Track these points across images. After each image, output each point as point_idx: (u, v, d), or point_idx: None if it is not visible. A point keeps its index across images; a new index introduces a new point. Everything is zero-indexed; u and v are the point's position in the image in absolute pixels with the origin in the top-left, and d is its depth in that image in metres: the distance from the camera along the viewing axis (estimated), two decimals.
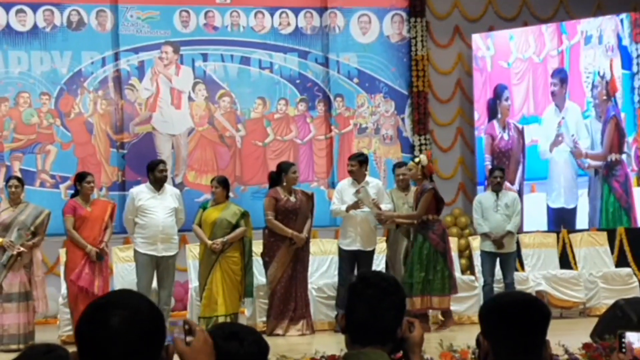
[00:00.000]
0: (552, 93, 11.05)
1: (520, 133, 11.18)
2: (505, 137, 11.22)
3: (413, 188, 8.74)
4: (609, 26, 10.75)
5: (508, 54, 11.28)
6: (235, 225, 8.01)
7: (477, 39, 11.49)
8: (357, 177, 8.50)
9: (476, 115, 11.54)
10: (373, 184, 8.63)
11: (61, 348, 2.16)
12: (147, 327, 1.72)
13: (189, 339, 1.88)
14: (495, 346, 2.28)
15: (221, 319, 7.75)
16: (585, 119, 10.83)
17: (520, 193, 10.99)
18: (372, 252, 8.52)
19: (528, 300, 2.34)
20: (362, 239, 8.40)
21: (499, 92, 11.29)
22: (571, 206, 10.92)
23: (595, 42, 10.84)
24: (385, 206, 8.46)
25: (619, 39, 10.68)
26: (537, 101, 11.14)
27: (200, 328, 1.94)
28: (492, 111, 11.34)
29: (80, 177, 8.04)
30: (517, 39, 11.31)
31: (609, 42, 10.74)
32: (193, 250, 8.71)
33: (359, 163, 8.53)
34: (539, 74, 11.12)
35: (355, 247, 8.39)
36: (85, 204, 7.87)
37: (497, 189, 8.77)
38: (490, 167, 10.64)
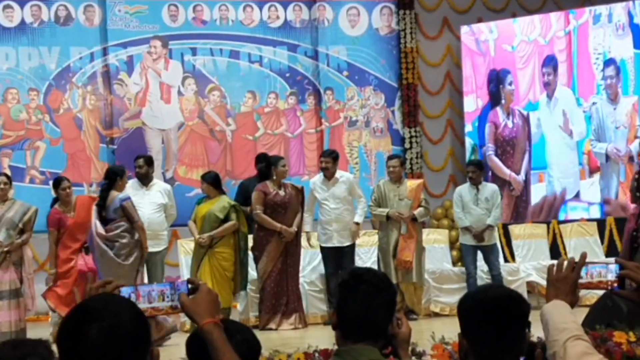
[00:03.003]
0: (546, 83, 10.75)
1: (526, 120, 10.87)
2: (510, 124, 10.92)
3: (405, 180, 8.76)
4: (619, 4, 10.29)
5: (512, 37, 10.94)
6: (225, 220, 8.00)
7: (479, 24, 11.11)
8: (329, 174, 8.54)
9: (479, 103, 11.16)
10: (344, 178, 8.67)
11: (35, 344, 2.13)
12: (129, 337, 1.66)
13: (192, 297, 2.00)
14: (474, 345, 2.21)
15: None
16: (594, 103, 10.42)
17: (526, 183, 10.90)
18: (352, 247, 8.54)
19: (505, 296, 2.24)
20: (339, 234, 8.42)
21: (502, 77, 10.96)
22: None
23: (605, 21, 10.37)
24: (359, 210, 8.54)
25: (630, 16, 10.20)
26: (542, 86, 10.81)
27: (203, 282, 2.09)
28: (495, 97, 11.06)
29: (55, 184, 7.97)
30: (521, 21, 10.98)
31: (619, 21, 10.25)
32: (185, 246, 8.70)
33: (333, 160, 8.58)
34: (546, 57, 10.74)
35: (332, 243, 8.44)
36: (68, 211, 7.84)
37: (474, 183, 8.78)
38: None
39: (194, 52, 10.97)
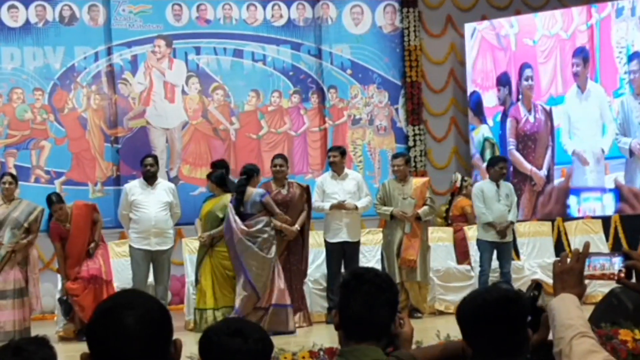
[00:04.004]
0: (575, 74, 10.57)
1: (548, 115, 10.73)
2: (531, 119, 10.79)
3: (410, 179, 8.74)
4: None
5: (533, 31, 10.82)
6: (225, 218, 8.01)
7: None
8: (338, 168, 8.53)
9: (500, 98, 11.04)
10: (352, 176, 8.67)
11: (37, 348, 2.14)
12: (159, 325, 1.80)
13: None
14: (478, 350, 2.20)
15: (210, 313, 7.80)
16: (616, 97, 10.29)
17: (549, 179, 10.86)
18: (358, 244, 8.54)
19: (501, 297, 2.22)
20: (348, 229, 8.40)
21: (522, 72, 10.84)
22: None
23: (628, 14, 10.20)
24: (363, 199, 8.50)
25: None
26: (565, 80, 10.68)
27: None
28: (517, 92, 10.92)
29: (49, 203, 7.85)
30: (542, 16, 10.85)
31: None
32: (189, 244, 8.72)
33: (341, 154, 8.59)
34: (567, 51, 10.61)
35: (341, 238, 8.40)
36: (64, 224, 7.83)
37: (499, 179, 8.71)
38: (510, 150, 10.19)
39: (197, 51, 10.98)
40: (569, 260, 2.19)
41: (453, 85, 11.83)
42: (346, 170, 8.69)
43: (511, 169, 10.64)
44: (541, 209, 10.87)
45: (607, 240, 10.08)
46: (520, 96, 10.96)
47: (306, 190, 8.38)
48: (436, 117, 11.73)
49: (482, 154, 11.18)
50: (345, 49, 11.41)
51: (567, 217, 10.54)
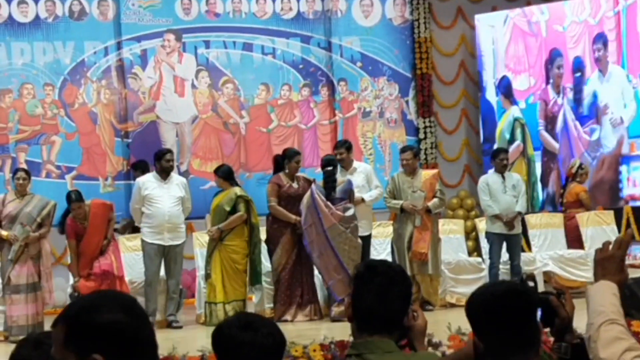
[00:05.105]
0: (597, 59, 10.74)
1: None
2: (559, 101, 11.00)
3: (420, 172, 8.73)
4: None
5: (563, 18, 11.05)
6: (233, 212, 8.02)
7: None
8: (346, 164, 8.53)
9: (532, 81, 11.20)
10: (361, 168, 8.68)
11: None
12: None
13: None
14: (489, 344, 2.20)
15: (220, 306, 7.83)
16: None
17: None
18: (369, 237, 8.54)
19: (510, 291, 2.23)
20: (361, 223, 8.40)
21: (553, 58, 11.08)
22: None
23: None
24: (372, 191, 8.53)
25: None
26: (592, 65, 10.84)
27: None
28: (546, 76, 11.15)
29: (68, 200, 7.91)
30: (571, 3, 11.04)
31: None
32: (200, 238, 8.73)
33: (347, 150, 8.60)
34: (596, 34, 10.78)
35: None
36: (81, 221, 7.86)
37: (503, 170, 8.77)
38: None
39: (207, 45, 10.98)
40: (610, 247, 2.18)
41: (464, 77, 11.79)
42: (355, 163, 8.67)
43: (541, 149, 11.01)
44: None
45: (619, 232, 10.03)
46: (550, 80, 11.14)
47: (313, 184, 8.42)
48: (447, 109, 11.70)
49: (512, 133, 11.29)
50: (355, 42, 11.38)
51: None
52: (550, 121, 11.08)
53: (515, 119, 11.32)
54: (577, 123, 10.91)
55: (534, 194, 11.11)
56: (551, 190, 10.86)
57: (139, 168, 9.23)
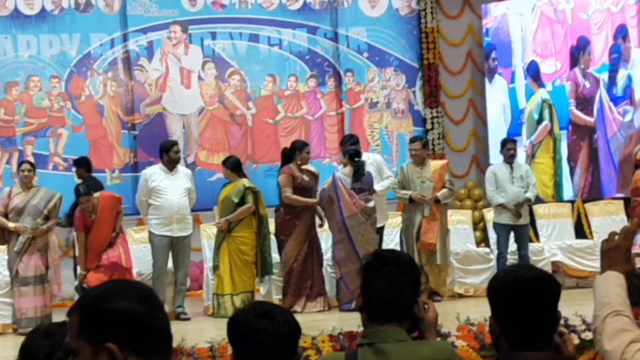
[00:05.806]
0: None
1: (597, 82, 11.23)
2: (587, 84, 11.22)
3: (429, 162, 8.70)
4: None
5: (587, 5, 11.28)
6: (242, 204, 8.01)
7: None
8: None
9: (558, 65, 11.30)
10: (371, 160, 8.65)
11: (67, 329, 2.14)
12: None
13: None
14: (506, 328, 2.19)
15: (227, 298, 7.84)
16: None
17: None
18: (382, 229, 8.53)
19: (536, 277, 2.20)
20: (378, 214, 8.38)
21: (578, 43, 11.32)
22: None
23: None
24: (384, 181, 8.54)
25: None
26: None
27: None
28: (571, 60, 11.37)
29: (77, 193, 7.91)
30: None
31: None
32: (207, 230, 8.73)
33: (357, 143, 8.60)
34: (617, 23, 11.06)
35: None
36: (89, 214, 7.86)
37: (510, 160, 8.75)
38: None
39: (213, 36, 10.96)
40: (616, 238, 2.16)
41: (471, 66, 11.75)
42: (364, 155, 8.65)
43: (567, 129, 11.20)
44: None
45: (628, 221, 9.99)
46: (582, 65, 11.37)
47: (317, 178, 8.46)
48: (454, 99, 11.66)
49: (540, 114, 11.38)
50: (362, 32, 11.34)
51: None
52: (581, 102, 11.30)
53: (544, 100, 11.53)
54: (612, 104, 11.04)
55: (558, 170, 11.20)
56: (579, 169, 11.02)
57: (82, 165, 9.01)
